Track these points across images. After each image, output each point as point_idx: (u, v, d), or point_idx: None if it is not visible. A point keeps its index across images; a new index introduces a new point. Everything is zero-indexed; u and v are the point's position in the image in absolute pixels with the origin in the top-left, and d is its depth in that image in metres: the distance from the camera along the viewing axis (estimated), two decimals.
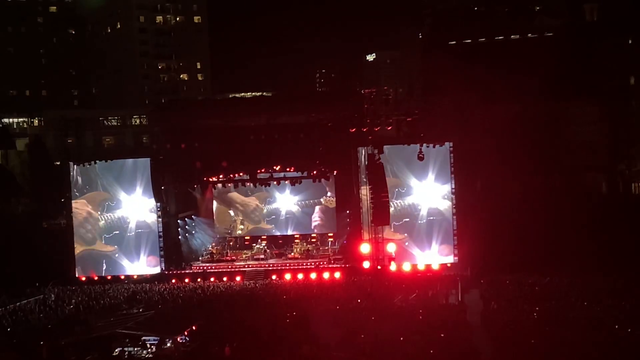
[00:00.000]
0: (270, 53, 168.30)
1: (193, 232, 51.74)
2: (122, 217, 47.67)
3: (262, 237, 52.24)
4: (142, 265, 47.49)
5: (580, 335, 27.21)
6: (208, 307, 36.20)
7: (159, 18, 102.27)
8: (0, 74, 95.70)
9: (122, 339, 29.26)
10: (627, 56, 57.94)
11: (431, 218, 45.83)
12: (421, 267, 45.07)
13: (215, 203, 53.75)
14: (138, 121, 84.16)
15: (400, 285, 40.01)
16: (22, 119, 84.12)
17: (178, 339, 29.57)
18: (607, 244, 41.51)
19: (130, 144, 79.09)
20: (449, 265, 45.28)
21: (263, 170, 49.34)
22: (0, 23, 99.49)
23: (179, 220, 49.88)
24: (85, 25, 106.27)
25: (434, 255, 45.61)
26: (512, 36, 64.84)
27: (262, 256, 49.75)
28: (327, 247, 50.80)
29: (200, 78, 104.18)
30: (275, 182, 50.67)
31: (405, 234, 45.86)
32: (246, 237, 53.10)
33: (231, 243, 53.05)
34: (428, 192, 45.83)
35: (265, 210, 53.08)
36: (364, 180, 45.24)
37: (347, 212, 49.22)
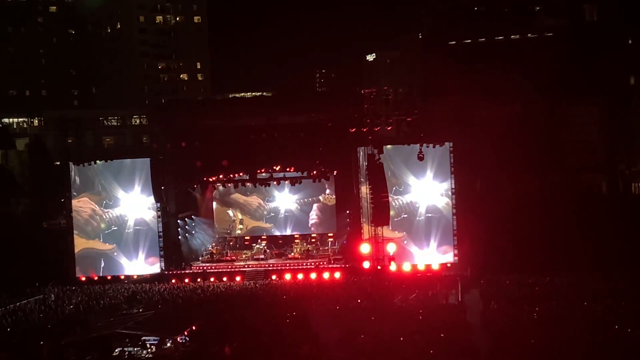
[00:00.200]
0: (270, 53, 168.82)
1: (193, 232, 51.77)
2: (120, 215, 47.62)
3: (262, 237, 52.33)
4: (140, 264, 47.46)
5: (580, 335, 27.14)
6: (208, 307, 36.12)
7: (159, 18, 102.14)
8: (0, 74, 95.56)
9: (122, 339, 29.12)
10: (627, 56, 57.93)
11: (429, 215, 45.90)
12: (421, 267, 45.15)
13: (215, 203, 53.79)
14: (138, 121, 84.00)
15: (400, 285, 39.97)
16: (22, 119, 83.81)
17: (178, 339, 29.50)
18: (607, 244, 41.46)
19: (130, 144, 79.07)
20: (448, 265, 45.35)
21: (263, 170, 49.38)
22: (0, 23, 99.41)
23: (178, 220, 49.89)
24: (85, 25, 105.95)
25: (432, 254, 45.65)
26: (512, 36, 64.80)
27: (262, 256, 49.79)
28: (327, 247, 50.87)
29: (200, 78, 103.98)
30: (275, 182, 50.76)
31: (404, 232, 45.90)
32: (246, 237, 53.17)
33: (231, 243, 53.09)
34: (426, 189, 45.90)
35: (265, 209, 53.22)
36: (364, 180, 45.26)
37: (347, 212, 49.29)
